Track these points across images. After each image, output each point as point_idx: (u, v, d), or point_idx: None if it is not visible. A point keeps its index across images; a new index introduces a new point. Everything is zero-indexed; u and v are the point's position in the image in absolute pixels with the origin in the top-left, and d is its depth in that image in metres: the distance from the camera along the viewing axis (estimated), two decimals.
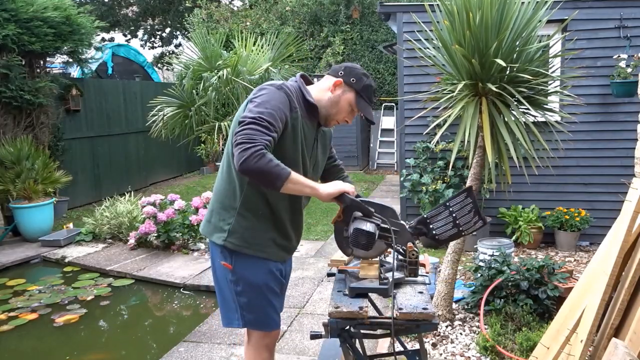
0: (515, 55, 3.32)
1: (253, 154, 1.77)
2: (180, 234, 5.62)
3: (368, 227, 1.87)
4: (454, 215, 2.04)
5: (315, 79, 2.22)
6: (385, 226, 1.93)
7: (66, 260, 5.55)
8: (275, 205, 2.05)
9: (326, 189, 1.96)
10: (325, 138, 2.25)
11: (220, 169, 2.14)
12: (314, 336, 2.00)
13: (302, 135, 2.03)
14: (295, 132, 1.98)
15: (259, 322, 2.13)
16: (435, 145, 5.47)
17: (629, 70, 4.85)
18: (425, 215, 2.07)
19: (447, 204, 2.06)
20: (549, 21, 3.60)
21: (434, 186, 5.40)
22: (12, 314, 4.31)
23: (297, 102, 2.00)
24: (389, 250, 2.30)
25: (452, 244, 3.52)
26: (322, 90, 2.09)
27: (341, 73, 2.08)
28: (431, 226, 2.06)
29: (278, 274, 2.14)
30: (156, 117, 6.84)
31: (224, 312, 2.17)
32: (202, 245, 5.71)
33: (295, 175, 1.86)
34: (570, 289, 3.03)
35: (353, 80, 2.06)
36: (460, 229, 2.05)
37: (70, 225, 6.39)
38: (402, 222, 2.01)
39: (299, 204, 2.15)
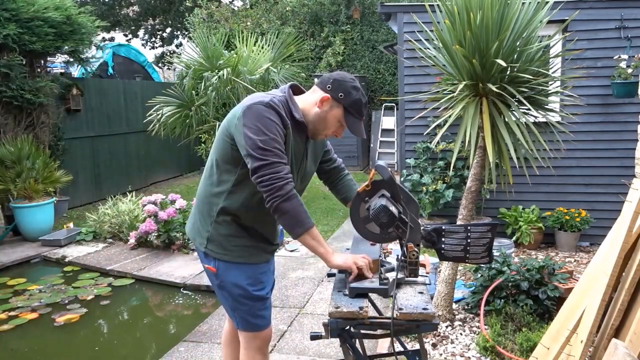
0: (515, 56, 3.32)
1: (287, 193, 1.82)
2: (181, 233, 5.62)
3: (393, 209, 1.91)
4: (468, 240, 2.03)
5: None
6: (404, 218, 1.95)
7: (66, 259, 5.55)
8: (253, 214, 2.04)
9: (336, 261, 1.97)
10: (317, 147, 2.20)
11: (204, 175, 2.12)
12: (314, 337, 2.00)
13: (292, 150, 1.99)
14: (286, 147, 1.94)
15: (244, 323, 2.15)
16: (436, 146, 5.46)
17: (630, 70, 4.85)
18: (443, 227, 2.06)
19: (468, 227, 2.05)
20: (549, 21, 3.59)
21: (434, 186, 5.39)
22: (12, 313, 4.31)
23: (287, 117, 1.93)
24: (389, 249, 2.31)
25: None
26: (309, 104, 2.01)
27: (329, 87, 1.97)
28: (443, 239, 2.05)
29: (261, 276, 2.13)
30: (153, 116, 6.85)
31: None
32: None
33: (315, 231, 1.90)
34: (571, 289, 3.03)
35: (341, 95, 1.96)
36: (467, 255, 2.04)
37: (71, 224, 6.40)
38: (419, 221, 2.02)
39: None
